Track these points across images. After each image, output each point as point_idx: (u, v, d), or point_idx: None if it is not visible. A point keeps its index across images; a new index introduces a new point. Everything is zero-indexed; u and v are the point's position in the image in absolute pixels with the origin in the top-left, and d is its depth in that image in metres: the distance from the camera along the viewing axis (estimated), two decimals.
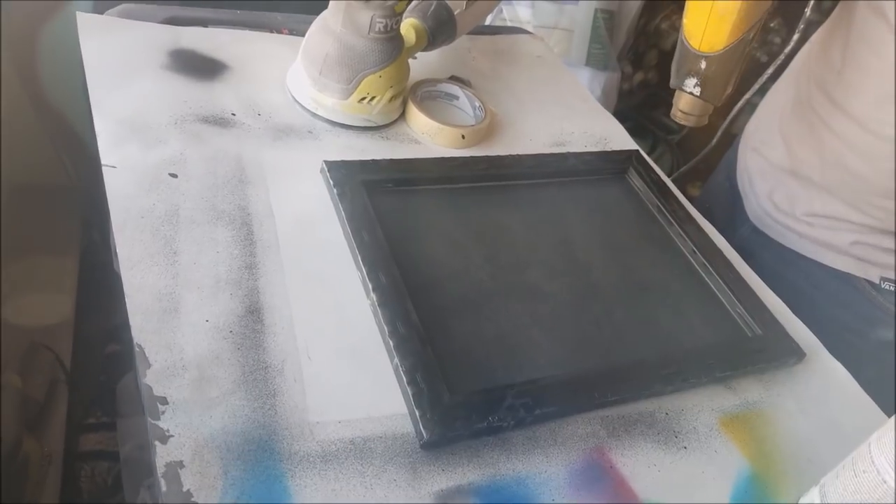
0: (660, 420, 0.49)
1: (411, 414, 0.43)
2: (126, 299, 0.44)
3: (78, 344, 0.93)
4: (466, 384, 0.45)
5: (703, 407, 0.51)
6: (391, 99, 0.63)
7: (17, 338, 0.81)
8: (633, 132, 0.78)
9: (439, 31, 0.68)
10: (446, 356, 0.46)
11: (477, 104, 0.70)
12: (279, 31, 0.72)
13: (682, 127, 0.66)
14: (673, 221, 0.64)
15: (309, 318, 0.47)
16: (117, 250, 0.46)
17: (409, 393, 0.43)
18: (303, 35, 0.63)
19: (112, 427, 0.97)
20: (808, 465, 0.50)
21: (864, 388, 0.57)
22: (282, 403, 0.42)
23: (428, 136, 0.66)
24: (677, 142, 1.67)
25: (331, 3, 0.59)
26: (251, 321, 0.46)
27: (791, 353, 0.56)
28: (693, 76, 0.58)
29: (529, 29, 1.15)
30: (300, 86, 0.63)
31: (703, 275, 0.61)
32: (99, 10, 0.66)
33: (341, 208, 0.53)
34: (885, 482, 0.38)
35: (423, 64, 0.73)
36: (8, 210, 0.79)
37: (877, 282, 0.69)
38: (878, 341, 0.70)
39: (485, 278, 0.54)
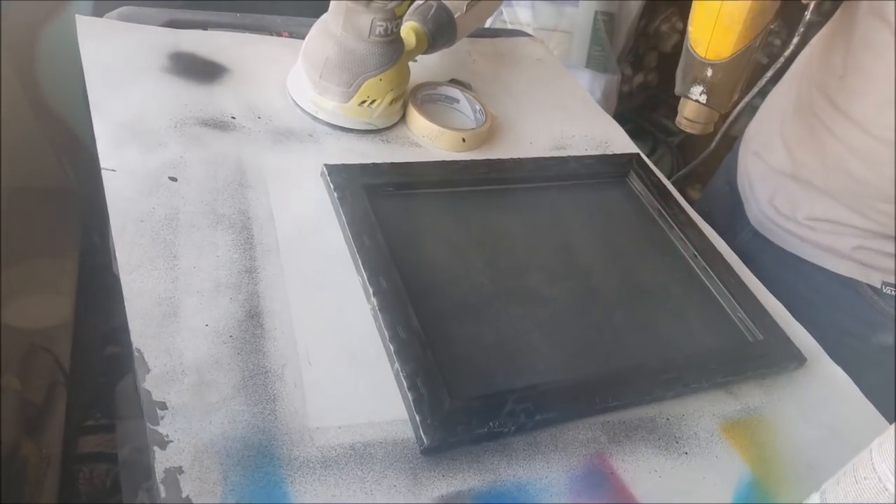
0: (660, 425, 0.49)
1: (412, 419, 0.43)
2: (125, 303, 0.44)
3: (77, 346, 0.93)
4: (467, 389, 0.45)
5: (704, 412, 0.51)
6: (392, 102, 0.63)
7: (16, 340, 0.81)
8: (633, 134, 0.78)
9: (439, 34, 0.68)
10: (447, 361, 0.46)
11: (477, 107, 0.69)
12: (279, 34, 0.72)
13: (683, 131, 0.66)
14: (674, 225, 0.64)
15: (309, 322, 0.47)
16: (117, 254, 0.46)
17: (410, 398, 0.43)
18: (303, 38, 0.63)
19: (111, 429, 0.97)
20: (808, 470, 0.50)
21: (866, 393, 0.56)
22: (282, 408, 0.42)
23: (428, 140, 0.66)
24: (677, 144, 1.67)
25: (331, 6, 0.59)
26: (251, 326, 0.45)
27: (792, 358, 0.56)
28: (699, 84, 0.58)
29: (529, 31, 1.15)
30: (300, 89, 0.63)
31: (704, 279, 0.61)
32: (99, 13, 0.66)
33: (342, 212, 0.53)
34: (886, 489, 0.38)
35: (423, 67, 0.73)
36: (7, 212, 0.79)
37: (878, 286, 0.69)
38: (879, 346, 0.70)
39: (485, 282, 0.54)
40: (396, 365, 0.45)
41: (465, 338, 0.49)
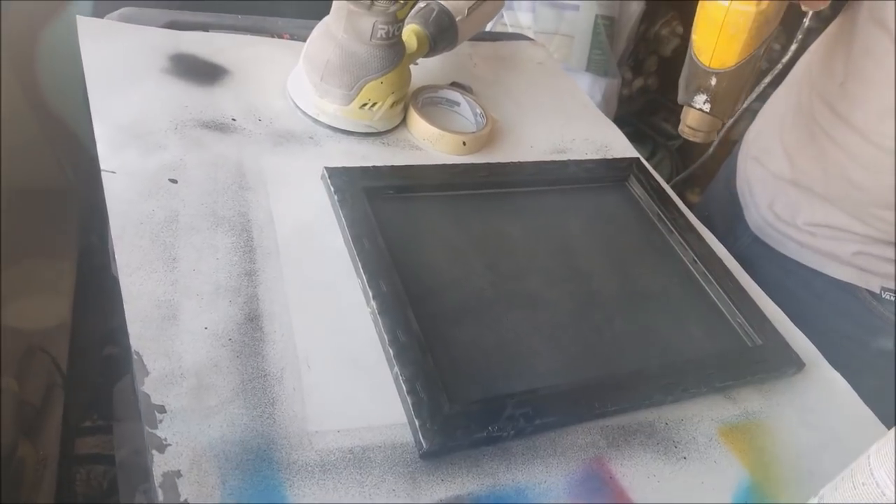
0: (659, 430, 0.49)
1: (411, 423, 0.43)
2: (124, 306, 0.44)
3: (75, 347, 0.92)
4: (466, 393, 0.45)
5: (703, 417, 0.51)
6: (392, 105, 0.63)
7: (14, 341, 0.81)
8: (633, 137, 0.78)
9: (441, 37, 0.68)
10: (446, 365, 0.46)
11: (478, 110, 0.70)
12: (280, 36, 0.72)
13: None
14: (673, 230, 0.64)
15: (308, 326, 0.47)
16: (116, 257, 0.46)
17: (409, 402, 0.43)
18: (304, 40, 0.63)
19: (108, 430, 0.96)
20: (807, 475, 0.50)
21: (865, 398, 0.56)
22: (281, 412, 0.42)
23: (429, 143, 0.66)
24: (677, 148, 1.67)
25: (333, 8, 0.59)
26: (250, 329, 0.45)
27: (791, 364, 0.56)
28: (703, 92, 0.58)
29: (530, 35, 1.16)
30: (301, 91, 0.63)
31: (703, 284, 0.61)
32: (99, 14, 0.66)
33: (342, 215, 0.53)
34: (884, 494, 0.38)
35: (424, 70, 0.73)
36: (6, 213, 0.79)
37: (878, 292, 0.69)
38: (878, 351, 0.70)
39: (485, 286, 0.54)
40: (396, 369, 0.45)
41: (464, 342, 0.49)
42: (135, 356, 0.41)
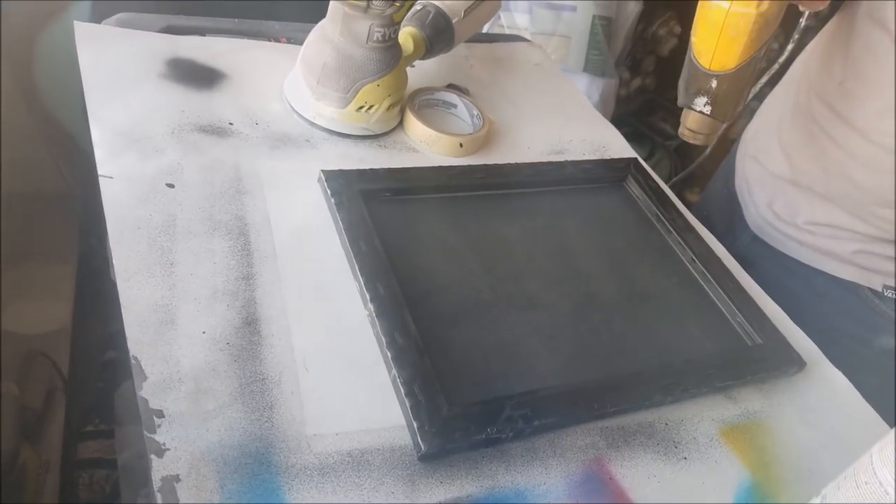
0: (659, 430, 0.49)
1: (409, 426, 0.43)
2: (122, 311, 0.44)
3: (75, 351, 0.92)
4: (465, 395, 0.45)
5: (703, 417, 0.51)
6: (389, 107, 0.63)
7: (14, 346, 0.81)
8: (631, 138, 0.78)
9: (437, 39, 0.68)
10: (444, 367, 0.46)
11: (475, 112, 0.70)
12: (277, 40, 0.72)
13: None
14: (672, 230, 0.64)
15: (306, 329, 0.47)
16: (114, 261, 0.46)
17: (407, 404, 0.43)
18: (301, 44, 0.63)
19: (110, 434, 0.96)
20: (809, 475, 0.50)
21: (868, 396, 0.56)
22: (279, 416, 0.42)
23: (426, 145, 0.66)
24: (675, 148, 1.67)
25: (329, 11, 0.59)
26: (248, 332, 0.45)
27: (791, 363, 0.56)
28: (703, 95, 0.57)
29: (527, 36, 1.16)
30: (298, 95, 0.63)
31: (703, 283, 0.61)
32: (97, 18, 0.66)
33: (339, 218, 0.53)
34: (887, 493, 0.37)
35: (421, 72, 0.73)
36: (6, 218, 0.79)
37: (879, 290, 0.69)
38: (880, 349, 0.70)
39: (483, 288, 0.54)
40: (394, 371, 0.45)
41: (462, 343, 0.49)
42: (133, 361, 0.41)
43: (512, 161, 0.66)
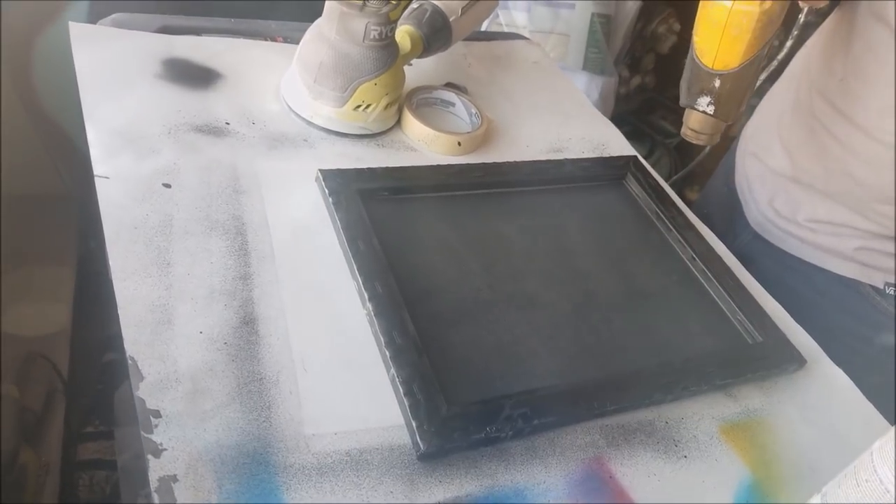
0: (659, 429, 0.49)
1: (408, 425, 0.43)
2: (119, 311, 0.44)
3: (75, 353, 0.92)
4: (464, 395, 0.45)
5: (704, 415, 0.51)
6: (387, 106, 0.63)
7: (13, 348, 0.81)
8: (631, 136, 0.78)
9: (435, 37, 0.67)
10: (443, 366, 0.46)
11: (473, 111, 0.69)
12: (273, 39, 0.72)
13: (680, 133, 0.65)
14: (672, 228, 0.64)
15: (304, 328, 0.47)
16: (110, 262, 0.46)
17: (406, 404, 0.43)
18: (297, 43, 0.62)
19: (110, 436, 0.96)
20: (809, 473, 0.49)
21: (870, 393, 0.56)
22: (277, 415, 0.42)
23: (424, 144, 0.65)
24: (675, 146, 1.67)
25: (325, 10, 0.59)
26: (246, 332, 0.45)
27: (792, 360, 0.55)
28: (706, 95, 0.57)
29: (526, 34, 1.15)
30: (295, 94, 0.62)
31: (703, 281, 0.61)
32: (93, 19, 0.66)
33: (336, 217, 0.53)
34: (888, 491, 0.37)
35: (418, 71, 0.73)
36: (5, 220, 0.79)
37: (881, 287, 0.69)
38: (882, 347, 0.70)
39: (482, 287, 0.53)
40: (392, 370, 0.45)
41: (461, 343, 0.49)
42: (130, 361, 0.41)
43: (511, 159, 0.66)
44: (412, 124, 0.65)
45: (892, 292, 0.69)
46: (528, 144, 0.71)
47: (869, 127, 0.62)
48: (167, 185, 0.52)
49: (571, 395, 0.47)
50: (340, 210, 0.53)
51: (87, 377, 0.99)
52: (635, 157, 0.71)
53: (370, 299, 0.48)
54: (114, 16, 0.66)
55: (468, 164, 0.63)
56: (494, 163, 0.64)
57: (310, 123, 0.62)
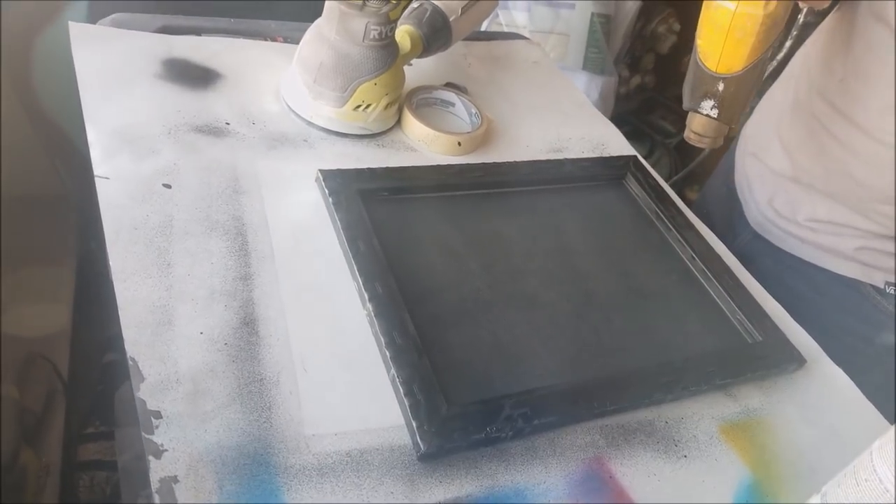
0: (659, 429, 0.49)
1: (408, 425, 0.43)
2: (119, 312, 0.44)
3: (75, 354, 0.92)
4: (464, 395, 0.45)
5: (703, 415, 0.51)
6: (387, 106, 0.63)
7: (14, 348, 0.81)
8: (631, 136, 0.78)
9: (434, 37, 0.67)
10: (443, 367, 0.46)
11: (473, 111, 0.69)
12: (273, 39, 0.72)
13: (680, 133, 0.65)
14: (671, 227, 0.64)
15: (304, 329, 0.47)
16: (110, 262, 0.46)
17: (406, 404, 0.43)
18: (297, 43, 0.62)
19: (110, 436, 0.96)
20: (809, 472, 0.49)
21: (868, 393, 0.56)
22: (277, 416, 0.42)
23: (424, 144, 0.65)
24: (675, 146, 1.67)
25: (325, 10, 0.59)
26: (246, 333, 0.45)
27: (791, 360, 0.55)
28: (710, 98, 0.57)
29: (525, 34, 1.15)
30: (295, 94, 0.62)
31: (703, 281, 0.61)
32: (93, 19, 0.66)
33: (336, 217, 0.53)
34: (887, 491, 0.37)
35: (418, 71, 0.73)
36: (4, 220, 0.79)
37: (881, 286, 0.69)
38: (882, 346, 0.70)
39: (482, 287, 0.53)
40: (392, 371, 0.45)
41: (461, 343, 0.49)
42: (130, 362, 0.41)
43: (510, 159, 0.66)
44: (412, 124, 0.65)
45: (892, 292, 0.69)
46: (528, 144, 0.71)
47: (869, 127, 0.62)
48: (167, 186, 0.52)
49: (571, 395, 0.47)
50: (340, 210, 0.53)
51: (87, 378, 0.99)
52: (635, 156, 0.71)
53: (370, 300, 0.48)
54: (113, 16, 0.66)
55: (468, 164, 0.63)
56: (494, 163, 0.64)
57: (310, 123, 0.62)
